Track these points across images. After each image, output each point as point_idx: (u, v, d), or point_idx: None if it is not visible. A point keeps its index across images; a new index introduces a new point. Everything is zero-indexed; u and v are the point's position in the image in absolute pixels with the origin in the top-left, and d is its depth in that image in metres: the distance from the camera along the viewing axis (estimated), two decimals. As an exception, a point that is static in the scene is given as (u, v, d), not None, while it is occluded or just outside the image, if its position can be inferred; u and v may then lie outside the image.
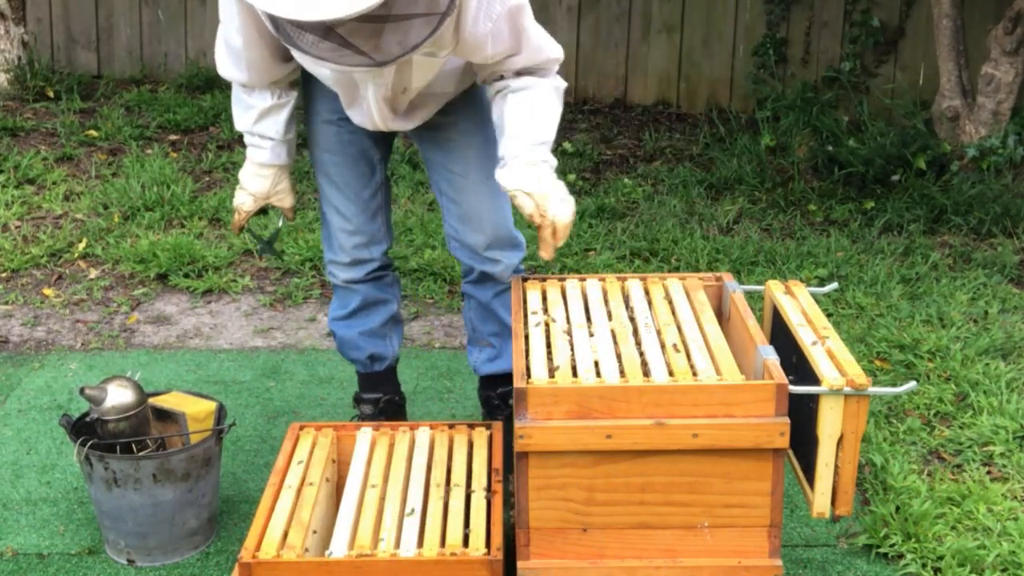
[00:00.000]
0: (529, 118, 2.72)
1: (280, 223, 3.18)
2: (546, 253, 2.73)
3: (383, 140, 3.08)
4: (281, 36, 2.46)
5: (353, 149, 3.03)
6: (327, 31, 2.38)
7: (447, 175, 3.02)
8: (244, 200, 3.04)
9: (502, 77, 2.76)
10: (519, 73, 2.76)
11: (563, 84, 2.82)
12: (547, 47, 2.75)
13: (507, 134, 2.73)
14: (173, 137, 6.26)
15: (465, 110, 2.97)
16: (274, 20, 2.45)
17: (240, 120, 2.98)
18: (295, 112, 2.97)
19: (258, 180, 3.01)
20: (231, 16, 2.73)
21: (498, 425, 2.92)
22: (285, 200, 3.05)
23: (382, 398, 3.29)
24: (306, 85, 3.03)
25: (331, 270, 3.19)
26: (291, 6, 2.30)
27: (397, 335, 3.29)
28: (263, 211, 3.11)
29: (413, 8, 2.39)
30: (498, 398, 3.23)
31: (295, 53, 2.59)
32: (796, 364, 2.59)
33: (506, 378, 3.21)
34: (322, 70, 2.74)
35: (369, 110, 2.82)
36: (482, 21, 2.57)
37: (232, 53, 2.81)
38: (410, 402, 3.70)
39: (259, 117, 2.93)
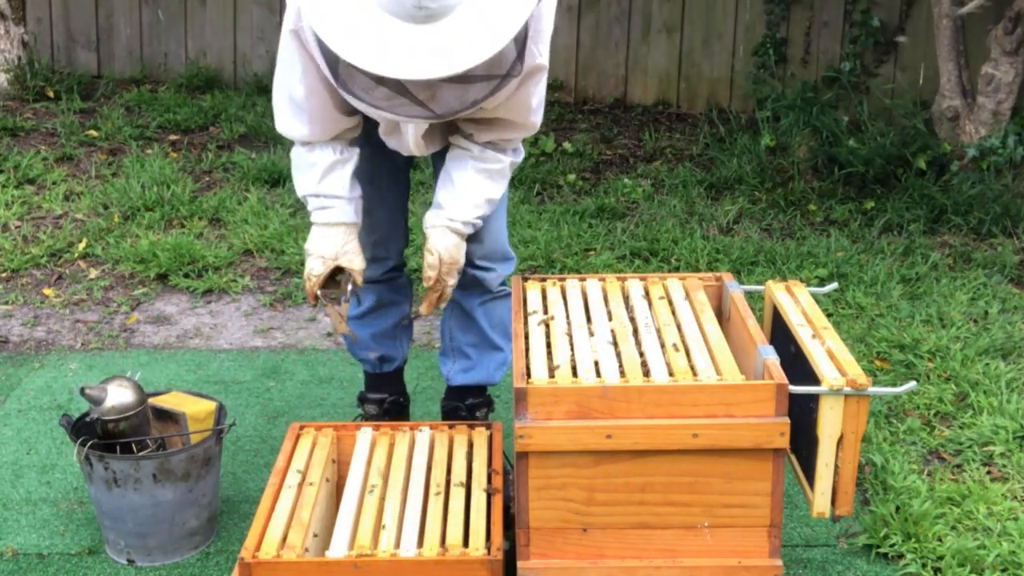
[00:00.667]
0: (474, 192, 2.80)
1: (350, 288, 2.86)
2: (428, 309, 2.85)
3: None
4: (337, 81, 2.47)
5: (385, 147, 2.98)
6: (382, 79, 2.39)
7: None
8: (314, 265, 2.81)
9: (469, 138, 2.80)
10: (486, 144, 2.80)
11: (519, 159, 2.87)
12: (533, 127, 2.79)
13: (453, 195, 2.81)
14: (173, 137, 6.26)
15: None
16: (332, 65, 2.45)
17: (303, 182, 2.83)
18: (359, 170, 2.89)
19: (326, 241, 2.81)
20: (291, 65, 2.68)
21: (498, 425, 2.93)
22: (355, 261, 2.83)
23: (387, 399, 3.29)
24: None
25: None
26: (387, 65, 2.32)
27: (407, 336, 3.29)
28: (331, 278, 2.86)
29: (484, 70, 2.41)
30: (465, 409, 3.22)
31: (348, 97, 2.56)
32: (795, 364, 2.59)
33: (477, 390, 3.22)
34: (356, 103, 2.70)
35: (406, 142, 2.82)
36: (535, 95, 2.66)
37: (294, 104, 2.73)
38: (410, 402, 3.70)
39: (323, 174, 2.79)
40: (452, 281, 2.85)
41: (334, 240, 2.81)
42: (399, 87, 2.42)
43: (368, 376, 3.30)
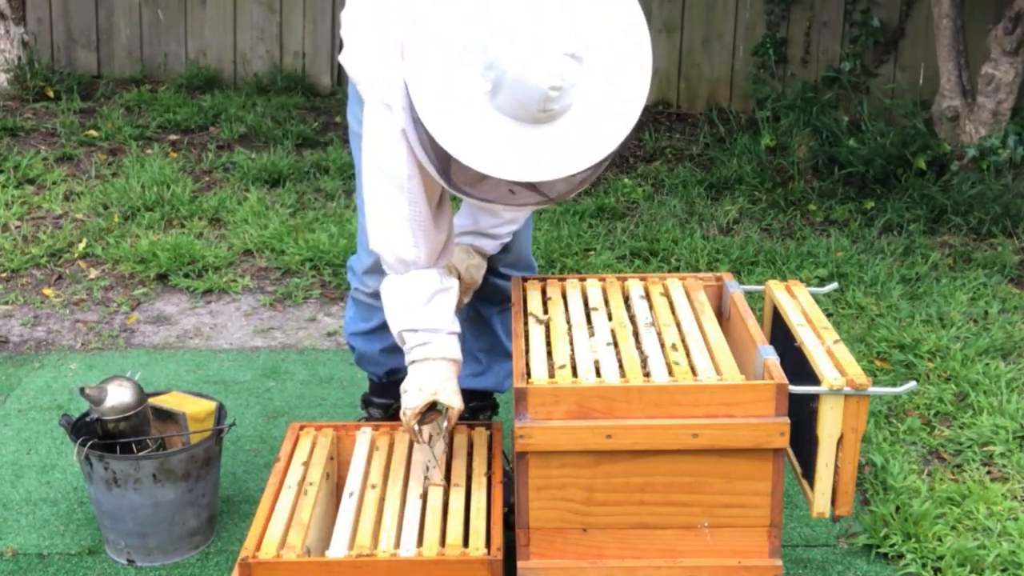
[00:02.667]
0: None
1: (444, 425, 2.64)
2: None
3: None
4: (448, 182, 2.44)
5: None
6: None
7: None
8: (411, 399, 2.60)
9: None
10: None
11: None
12: None
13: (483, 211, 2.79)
14: (173, 137, 6.26)
15: None
16: (442, 164, 2.40)
17: (402, 316, 2.62)
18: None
19: (426, 375, 2.60)
20: (397, 169, 2.51)
21: (498, 425, 2.93)
22: (453, 400, 2.61)
23: (393, 404, 3.26)
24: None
25: (361, 283, 3.03)
26: (525, 170, 2.31)
27: None
28: (425, 413, 2.65)
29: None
30: (467, 411, 3.21)
31: (458, 194, 2.49)
32: (795, 364, 2.59)
33: (482, 395, 3.21)
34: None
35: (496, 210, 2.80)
36: None
37: (401, 219, 2.55)
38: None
39: (426, 304, 2.60)
40: (466, 300, 2.84)
41: (435, 374, 2.59)
42: (525, 184, 2.38)
43: (373, 383, 3.28)
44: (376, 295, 2.97)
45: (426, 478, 2.64)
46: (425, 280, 2.61)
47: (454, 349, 2.63)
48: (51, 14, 7.22)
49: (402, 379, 3.23)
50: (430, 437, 2.63)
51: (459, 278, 2.79)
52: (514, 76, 2.27)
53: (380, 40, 2.51)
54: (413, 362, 2.62)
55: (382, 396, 3.26)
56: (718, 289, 2.93)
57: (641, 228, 5.09)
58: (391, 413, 3.25)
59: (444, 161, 2.41)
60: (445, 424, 2.63)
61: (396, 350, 3.12)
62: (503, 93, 2.30)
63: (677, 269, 4.71)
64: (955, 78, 5.73)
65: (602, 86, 2.38)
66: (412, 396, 2.59)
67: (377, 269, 2.89)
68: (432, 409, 2.63)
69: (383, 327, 3.02)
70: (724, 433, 2.39)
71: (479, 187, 2.44)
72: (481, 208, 2.74)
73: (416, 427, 2.60)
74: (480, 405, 3.21)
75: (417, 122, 2.38)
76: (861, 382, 2.42)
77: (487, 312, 3.11)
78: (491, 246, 2.89)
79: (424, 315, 2.60)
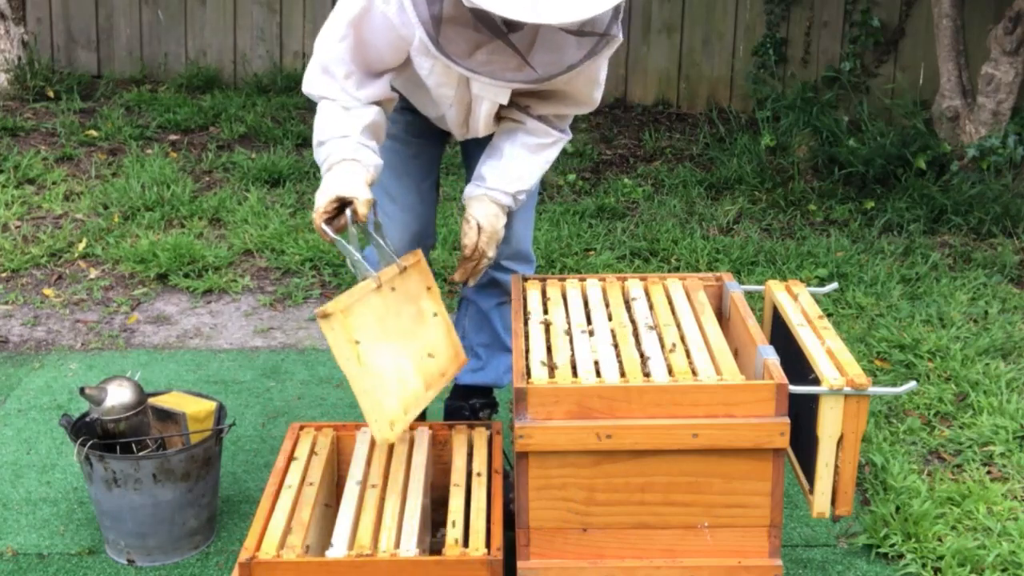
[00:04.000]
0: (520, 164, 2.81)
1: (348, 214, 2.64)
2: (461, 276, 2.84)
3: (441, 140, 3.08)
4: (436, 45, 2.50)
5: (420, 140, 3.00)
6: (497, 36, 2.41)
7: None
8: (319, 201, 2.65)
9: (525, 110, 2.80)
10: (540, 117, 2.81)
11: (568, 137, 2.89)
12: (593, 103, 2.81)
13: (498, 167, 2.81)
14: (173, 137, 6.26)
15: None
16: (433, 26, 2.47)
17: (317, 133, 2.72)
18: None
19: (331, 179, 2.66)
20: (353, 16, 2.63)
21: (498, 425, 2.93)
22: (359, 192, 2.64)
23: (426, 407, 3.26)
24: None
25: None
26: (539, 11, 2.33)
27: None
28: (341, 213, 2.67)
29: (588, 26, 2.48)
30: (468, 409, 3.21)
31: (445, 60, 2.55)
32: (795, 364, 2.59)
33: (483, 391, 3.22)
34: (438, 86, 2.70)
35: (475, 123, 2.81)
36: (603, 69, 2.70)
37: (343, 47, 2.66)
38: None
39: (342, 113, 2.69)
40: (491, 253, 2.83)
41: (340, 175, 2.65)
42: (503, 46, 2.46)
43: None
44: None
45: (359, 278, 2.63)
46: (347, 102, 2.68)
47: (360, 152, 2.66)
48: (51, 14, 7.22)
49: None
50: (339, 232, 2.65)
51: (479, 228, 2.80)
52: None
53: None
54: (326, 172, 2.67)
55: None
56: (718, 289, 2.93)
57: (641, 228, 5.09)
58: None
59: (436, 23, 2.47)
60: (349, 214, 2.62)
61: None
62: None
63: (677, 269, 4.71)
64: (955, 78, 5.73)
65: None
66: (319, 197, 2.63)
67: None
68: (341, 212, 2.64)
69: None
70: (724, 433, 2.39)
71: (468, 59, 2.50)
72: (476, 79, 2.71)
73: (323, 227, 2.62)
74: (482, 403, 3.21)
75: None
76: (861, 382, 2.42)
77: (485, 305, 3.12)
78: (506, 199, 2.86)
79: (335, 125, 2.68)
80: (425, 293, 2.79)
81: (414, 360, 2.66)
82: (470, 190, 2.84)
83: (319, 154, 2.71)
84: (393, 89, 2.80)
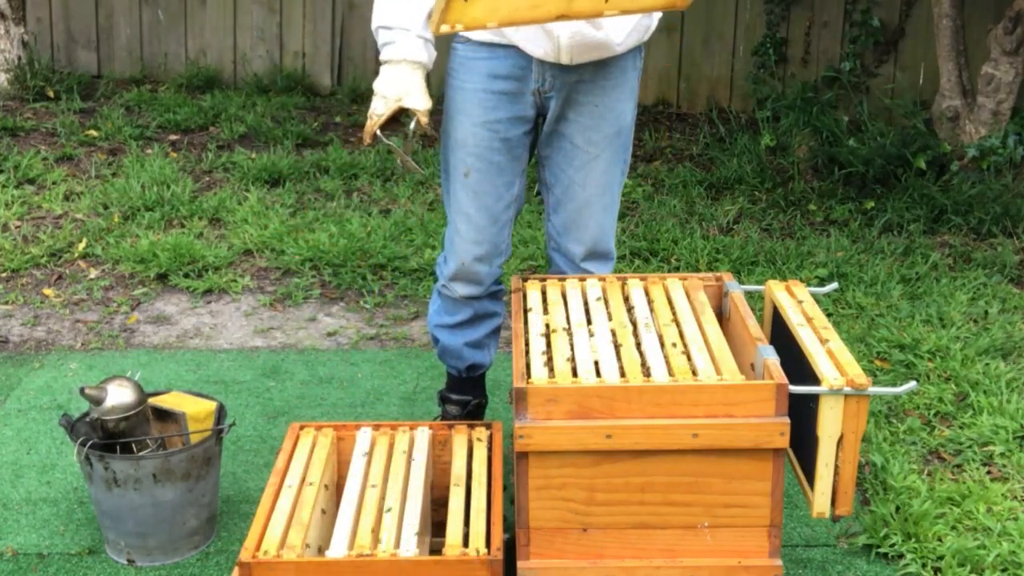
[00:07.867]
0: None
1: (412, 126, 2.73)
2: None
3: (525, 151, 2.98)
4: None
5: (499, 157, 2.91)
6: None
7: (565, 180, 2.97)
8: (376, 105, 2.73)
9: None
10: None
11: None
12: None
13: None
14: (173, 137, 6.26)
15: (601, 124, 2.93)
16: None
17: (379, 11, 2.74)
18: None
19: (390, 80, 2.71)
20: None
21: (498, 425, 2.93)
22: (419, 101, 2.73)
23: (471, 401, 3.25)
24: (454, 89, 2.91)
25: (448, 286, 3.05)
26: None
27: (495, 343, 3.22)
28: (396, 120, 2.75)
29: None
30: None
31: None
32: (795, 364, 2.59)
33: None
34: None
35: (556, 39, 2.74)
36: None
37: None
38: (410, 402, 3.71)
39: (400, 3, 2.71)
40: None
41: (400, 78, 2.70)
42: None
43: (452, 378, 3.24)
44: (468, 298, 3.04)
45: (404, 169, 2.70)
46: None
47: (420, 53, 2.71)
48: (51, 14, 7.22)
49: (482, 375, 3.22)
50: (394, 140, 2.71)
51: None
52: None
53: None
54: (384, 62, 2.72)
55: (460, 392, 3.24)
56: (718, 289, 2.93)
57: (641, 228, 5.09)
58: (468, 410, 3.24)
59: None
60: (413, 125, 2.71)
61: (479, 345, 3.15)
62: None
63: (677, 269, 4.71)
64: (955, 78, 5.73)
65: None
66: (378, 103, 2.71)
67: (460, 277, 3.00)
68: (396, 120, 2.71)
69: (469, 321, 3.11)
70: (724, 433, 2.39)
71: None
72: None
73: (379, 132, 2.69)
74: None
75: None
76: (861, 382, 2.42)
77: None
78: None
79: (400, 12, 2.70)
80: None
81: None
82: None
83: (380, 36, 2.74)
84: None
